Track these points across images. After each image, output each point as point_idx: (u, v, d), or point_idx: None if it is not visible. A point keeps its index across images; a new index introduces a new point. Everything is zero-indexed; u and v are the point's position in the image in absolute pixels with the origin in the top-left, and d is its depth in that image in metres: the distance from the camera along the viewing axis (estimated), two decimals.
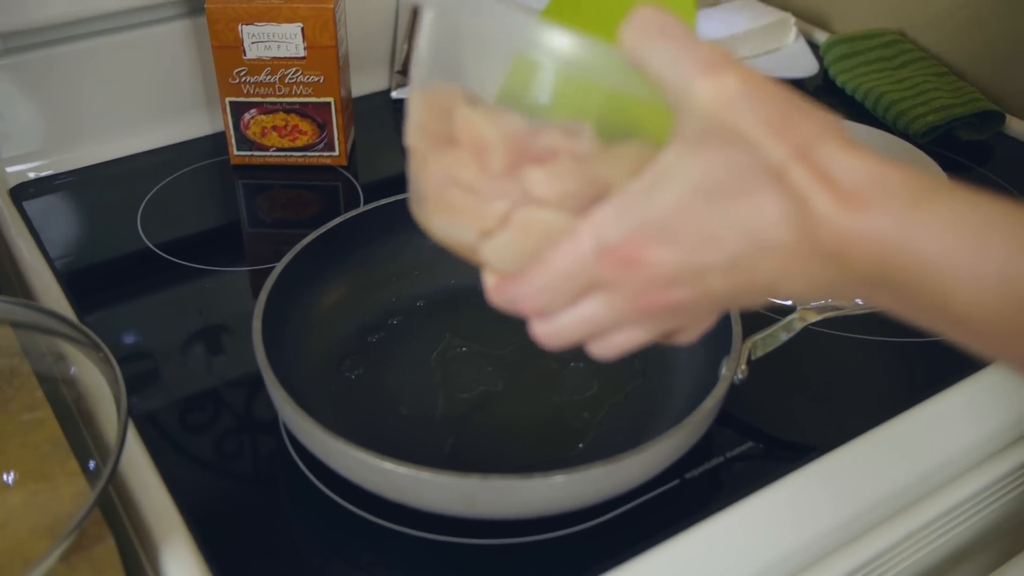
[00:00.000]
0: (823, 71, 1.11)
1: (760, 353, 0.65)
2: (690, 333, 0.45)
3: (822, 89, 1.10)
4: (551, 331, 0.43)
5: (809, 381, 0.70)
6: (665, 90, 0.38)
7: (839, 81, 1.08)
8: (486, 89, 0.43)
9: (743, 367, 0.63)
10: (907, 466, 0.64)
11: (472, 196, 0.42)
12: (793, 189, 0.36)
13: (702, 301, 0.40)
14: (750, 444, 0.65)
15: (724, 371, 0.61)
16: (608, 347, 0.44)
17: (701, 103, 0.37)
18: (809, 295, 0.39)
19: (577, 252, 0.40)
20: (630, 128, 0.42)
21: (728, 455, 0.64)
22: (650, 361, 0.70)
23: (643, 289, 0.40)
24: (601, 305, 0.41)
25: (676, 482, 0.62)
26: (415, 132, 0.44)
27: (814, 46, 1.15)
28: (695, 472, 0.63)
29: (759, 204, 0.37)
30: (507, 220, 0.41)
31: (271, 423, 0.66)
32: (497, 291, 0.44)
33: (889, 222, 0.35)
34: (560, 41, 0.38)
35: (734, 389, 0.62)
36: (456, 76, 0.44)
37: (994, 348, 0.38)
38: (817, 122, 0.37)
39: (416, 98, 0.44)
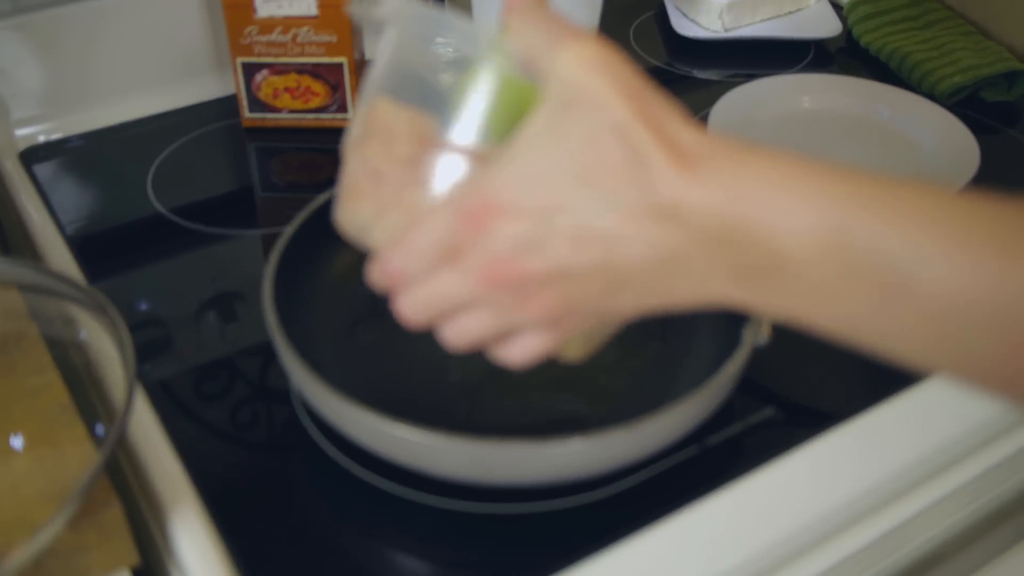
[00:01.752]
0: (847, 32, 1.08)
1: None
2: (565, 326, 0.44)
3: (845, 50, 1.08)
4: (408, 304, 0.44)
5: (832, 347, 0.68)
6: (534, 63, 0.41)
7: (863, 42, 1.06)
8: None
9: (766, 331, 0.62)
10: (932, 433, 0.63)
11: (376, 182, 0.45)
12: (633, 144, 0.38)
13: (553, 277, 0.41)
14: (772, 410, 0.63)
15: (746, 335, 0.60)
16: (460, 330, 0.44)
17: (560, 67, 0.40)
18: (652, 267, 0.40)
19: (438, 219, 0.42)
20: None
21: (749, 421, 0.63)
22: (670, 325, 0.68)
23: (492, 254, 0.41)
24: (455, 274, 0.42)
25: (696, 448, 0.61)
26: (351, 143, 0.48)
27: (837, 6, 1.12)
28: (716, 438, 0.61)
29: (602, 161, 0.39)
30: (399, 201, 0.45)
31: (284, 391, 0.65)
32: (374, 269, 0.45)
33: (722, 175, 0.38)
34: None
35: (756, 354, 0.61)
36: (411, 91, 0.46)
37: (831, 314, 0.39)
38: (665, 101, 0.40)
39: (360, 112, 0.48)
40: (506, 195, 0.40)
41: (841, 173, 0.38)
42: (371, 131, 0.46)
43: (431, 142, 0.44)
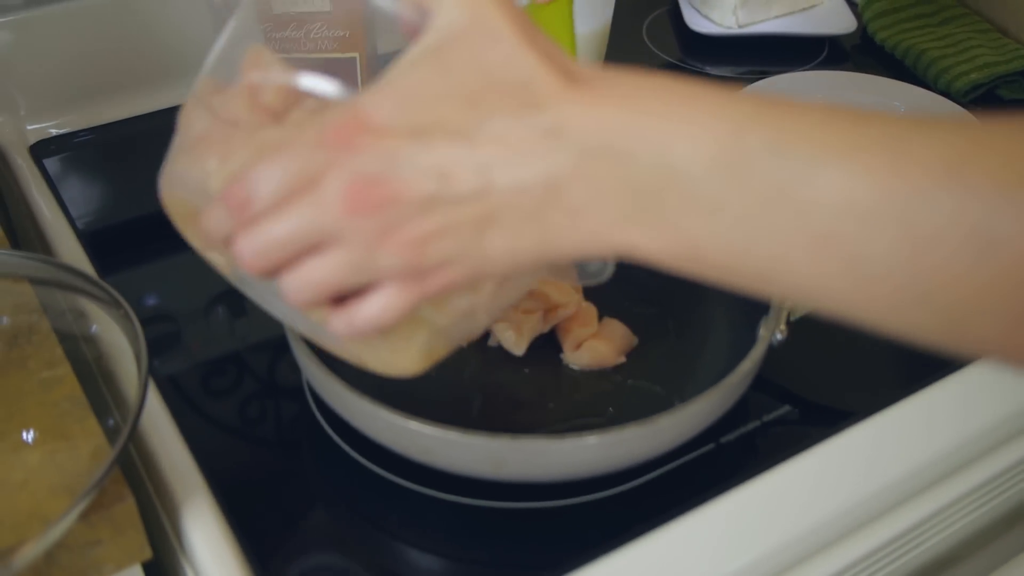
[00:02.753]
0: (862, 28, 1.08)
1: (800, 313, 0.63)
2: (431, 277, 0.40)
3: (860, 47, 1.07)
4: (249, 245, 0.39)
5: (849, 344, 0.68)
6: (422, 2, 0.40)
7: (878, 38, 1.05)
8: None
9: (782, 328, 0.61)
10: (948, 433, 0.62)
11: (228, 131, 0.41)
12: (522, 67, 0.37)
13: (416, 203, 0.37)
14: (787, 408, 0.63)
15: (762, 332, 0.59)
16: (305, 276, 0.39)
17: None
18: (525, 190, 0.37)
19: (295, 145, 0.38)
20: None
21: (764, 419, 0.62)
22: (684, 321, 0.68)
23: (353, 175, 0.37)
24: (306, 206, 0.38)
25: (711, 446, 0.60)
26: (190, 104, 0.45)
27: (852, 2, 1.12)
28: (731, 436, 0.61)
29: (488, 82, 0.37)
30: (250, 143, 0.40)
31: (295, 386, 0.65)
32: (214, 207, 0.41)
33: (612, 97, 0.37)
34: None
35: (772, 351, 0.60)
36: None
37: (726, 238, 0.36)
38: (548, 40, 0.39)
39: (203, 82, 0.46)
40: (378, 112, 0.37)
41: (743, 95, 0.37)
42: (232, 82, 0.44)
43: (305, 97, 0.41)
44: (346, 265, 0.39)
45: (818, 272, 0.35)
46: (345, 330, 0.41)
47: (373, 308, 0.40)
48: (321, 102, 0.41)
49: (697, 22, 1.07)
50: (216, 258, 0.46)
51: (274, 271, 0.40)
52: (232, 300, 0.73)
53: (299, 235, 0.38)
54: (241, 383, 0.66)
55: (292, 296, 0.40)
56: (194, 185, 0.42)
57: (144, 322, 0.57)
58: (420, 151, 0.37)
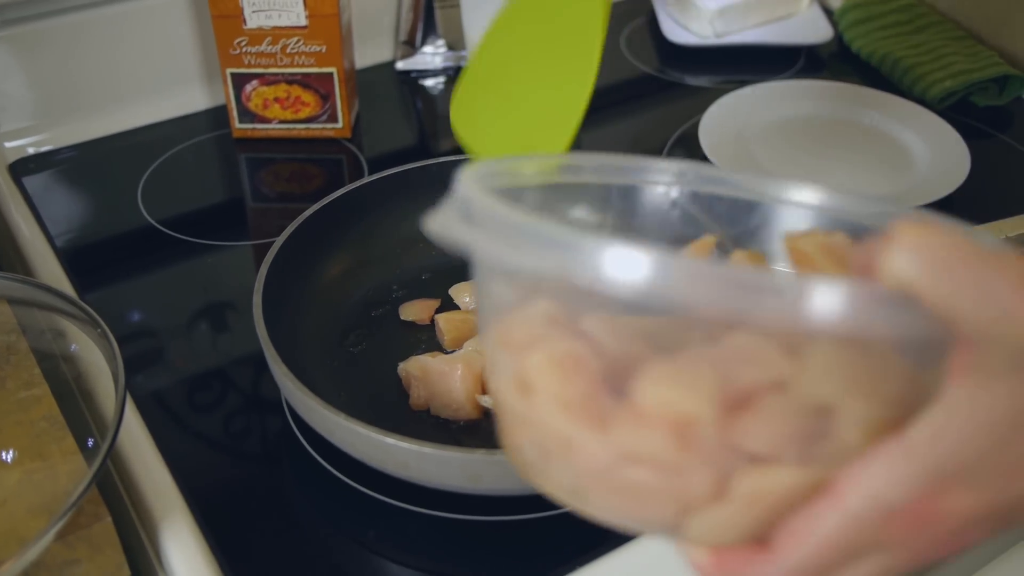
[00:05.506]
0: (838, 37, 1.09)
1: None
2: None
3: (837, 56, 1.08)
4: None
5: None
6: (955, 322, 0.31)
7: (854, 47, 1.06)
8: None
9: None
10: None
11: (664, 473, 0.33)
12: None
13: (989, 526, 0.35)
14: None
15: None
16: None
17: (1017, 336, 0.31)
18: None
19: (844, 516, 0.33)
20: None
21: None
22: None
23: (931, 541, 0.34)
24: (875, 567, 0.34)
25: None
26: (547, 402, 0.34)
27: (828, 11, 1.13)
28: None
29: None
30: (723, 491, 0.33)
31: (275, 401, 0.65)
32: (723, 570, 0.35)
33: None
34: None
35: None
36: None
37: None
38: None
39: (539, 361, 0.34)
40: (953, 482, 0.32)
41: None
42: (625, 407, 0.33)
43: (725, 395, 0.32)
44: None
45: None
46: None
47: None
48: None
49: (675, 32, 1.08)
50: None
51: None
52: (213, 316, 0.73)
53: None
54: (223, 399, 0.66)
55: None
56: (632, 522, 0.35)
57: (125, 339, 0.57)
58: (994, 517, 0.34)
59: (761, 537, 0.34)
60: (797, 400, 0.32)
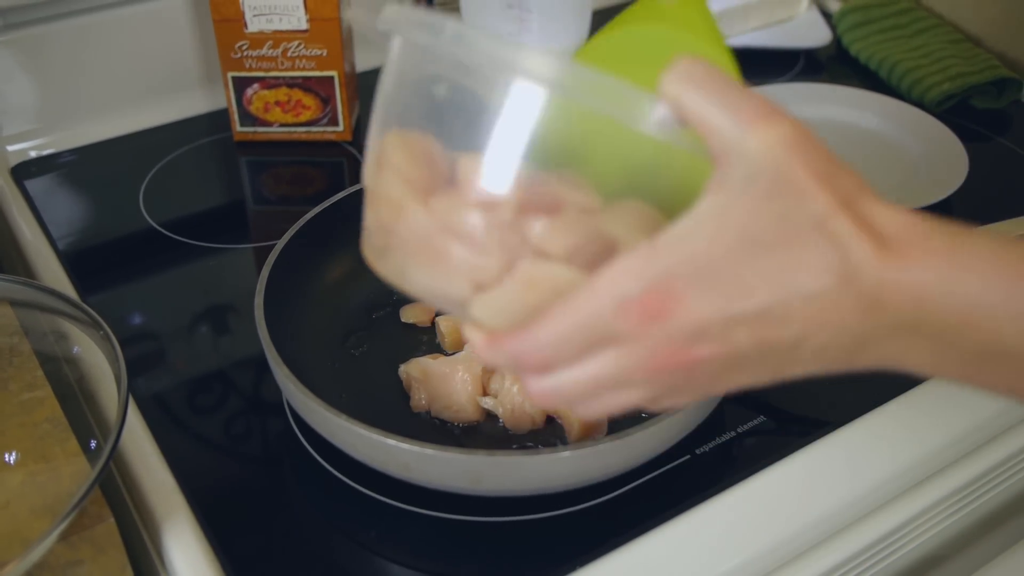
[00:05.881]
0: (836, 40, 1.09)
1: None
2: (683, 399, 0.41)
3: (835, 59, 1.08)
4: (548, 388, 0.40)
5: None
6: (710, 136, 0.37)
7: (853, 50, 1.06)
8: (466, 129, 0.40)
9: None
10: (921, 440, 0.63)
11: (467, 247, 0.39)
12: (836, 237, 0.36)
13: (721, 361, 0.38)
14: (761, 419, 0.64)
15: None
16: (598, 407, 0.41)
17: (753, 150, 0.36)
18: (832, 350, 0.38)
19: (594, 304, 0.37)
20: (647, 175, 0.40)
21: (739, 430, 0.63)
22: None
23: (664, 344, 0.37)
24: (611, 361, 0.38)
25: (686, 457, 0.61)
26: (392, 175, 0.41)
27: (827, 15, 1.13)
28: (705, 447, 0.61)
29: (800, 251, 0.36)
30: (508, 273, 0.39)
31: (277, 403, 0.65)
32: (491, 347, 0.40)
33: (931, 264, 0.36)
34: (586, 79, 0.36)
35: None
36: (428, 114, 0.41)
37: None
38: (855, 177, 0.38)
39: (392, 139, 0.41)
40: (686, 284, 0.36)
41: None
42: (423, 172, 0.40)
43: (532, 203, 0.38)
44: (638, 401, 0.40)
45: None
46: (580, 412, 0.42)
47: (611, 406, 0.41)
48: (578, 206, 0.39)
49: None
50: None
51: (559, 405, 0.41)
52: (215, 319, 0.74)
53: (599, 387, 0.39)
54: (224, 401, 0.67)
55: (584, 414, 0.43)
56: (438, 296, 0.41)
57: (127, 341, 0.57)
58: (731, 323, 0.37)
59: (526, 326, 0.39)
60: (594, 227, 0.39)
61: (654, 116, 0.37)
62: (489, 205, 0.38)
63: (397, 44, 0.41)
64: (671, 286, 0.37)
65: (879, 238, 0.36)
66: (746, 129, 0.36)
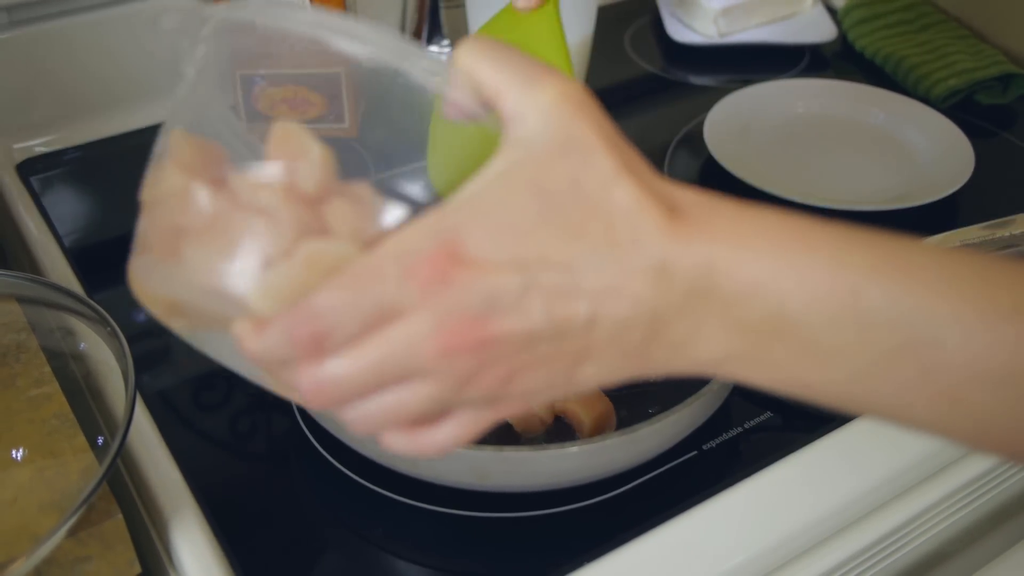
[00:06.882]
0: (842, 36, 1.09)
1: None
2: (480, 406, 0.37)
3: (841, 55, 1.08)
4: (325, 378, 0.35)
5: None
6: (500, 99, 0.37)
7: (858, 46, 1.06)
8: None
9: None
10: (927, 437, 0.63)
11: (259, 219, 0.36)
12: (624, 198, 0.35)
13: (516, 342, 0.35)
14: (768, 415, 0.64)
15: None
16: (378, 412, 0.36)
17: (541, 103, 0.36)
18: (628, 333, 0.36)
19: (375, 267, 0.34)
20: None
21: (746, 426, 0.63)
22: None
23: (454, 314, 0.34)
24: (396, 336, 0.34)
25: (693, 453, 0.61)
26: (174, 166, 0.40)
27: (832, 11, 1.13)
28: (712, 443, 0.62)
29: (589, 211, 0.35)
30: (287, 254, 0.35)
31: (283, 400, 0.65)
32: (259, 333, 0.36)
33: (720, 231, 0.36)
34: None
35: None
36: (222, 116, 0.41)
37: (836, 380, 0.37)
38: (635, 151, 0.37)
39: (176, 137, 0.41)
40: (473, 243, 0.34)
41: (850, 234, 0.36)
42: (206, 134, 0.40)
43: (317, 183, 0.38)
44: (428, 400, 0.36)
45: (943, 423, 0.36)
46: (405, 449, 0.38)
47: (446, 437, 0.37)
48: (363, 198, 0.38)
49: (679, 32, 1.08)
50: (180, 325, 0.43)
51: (341, 404, 0.36)
52: None
53: (379, 374, 0.35)
54: (230, 398, 0.67)
55: (359, 426, 0.37)
56: (218, 287, 0.37)
57: (134, 338, 0.57)
58: (524, 288, 0.34)
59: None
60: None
61: (449, 84, 0.38)
62: (281, 182, 0.37)
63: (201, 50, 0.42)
64: (459, 245, 0.34)
65: (668, 204, 0.36)
66: (534, 86, 0.36)
